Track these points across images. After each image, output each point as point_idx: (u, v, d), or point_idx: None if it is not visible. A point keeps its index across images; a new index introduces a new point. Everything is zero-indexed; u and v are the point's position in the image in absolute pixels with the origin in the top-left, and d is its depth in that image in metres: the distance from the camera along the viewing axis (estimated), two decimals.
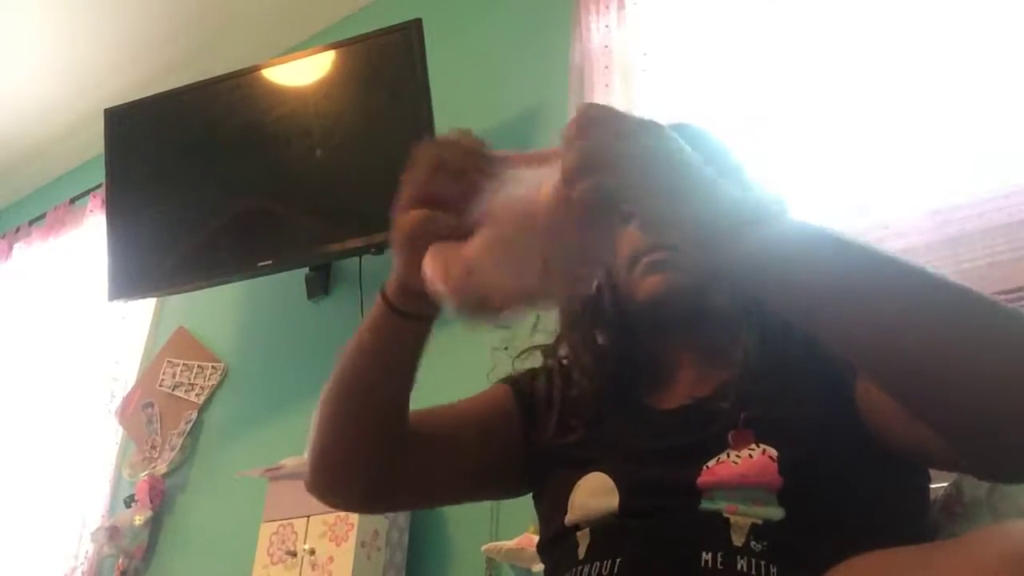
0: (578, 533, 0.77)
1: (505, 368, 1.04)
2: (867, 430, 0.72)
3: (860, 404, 0.73)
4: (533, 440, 0.88)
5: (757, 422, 0.74)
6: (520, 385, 0.94)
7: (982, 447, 0.57)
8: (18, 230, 3.33)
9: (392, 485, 0.86)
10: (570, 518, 0.78)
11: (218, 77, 2.32)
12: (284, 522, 1.79)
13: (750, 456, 0.72)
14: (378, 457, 0.83)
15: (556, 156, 0.60)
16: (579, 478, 0.80)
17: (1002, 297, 1.35)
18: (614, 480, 0.77)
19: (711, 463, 0.73)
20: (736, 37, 1.79)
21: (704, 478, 0.72)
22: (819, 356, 0.75)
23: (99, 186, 2.82)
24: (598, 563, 0.72)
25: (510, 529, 1.58)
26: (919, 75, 1.54)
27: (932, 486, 0.79)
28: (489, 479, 0.92)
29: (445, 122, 1.98)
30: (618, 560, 0.71)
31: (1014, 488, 0.77)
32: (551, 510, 0.83)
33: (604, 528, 0.75)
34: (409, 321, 0.77)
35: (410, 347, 0.79)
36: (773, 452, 0.71)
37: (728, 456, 0.73)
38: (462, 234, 0.65)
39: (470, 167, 0.66)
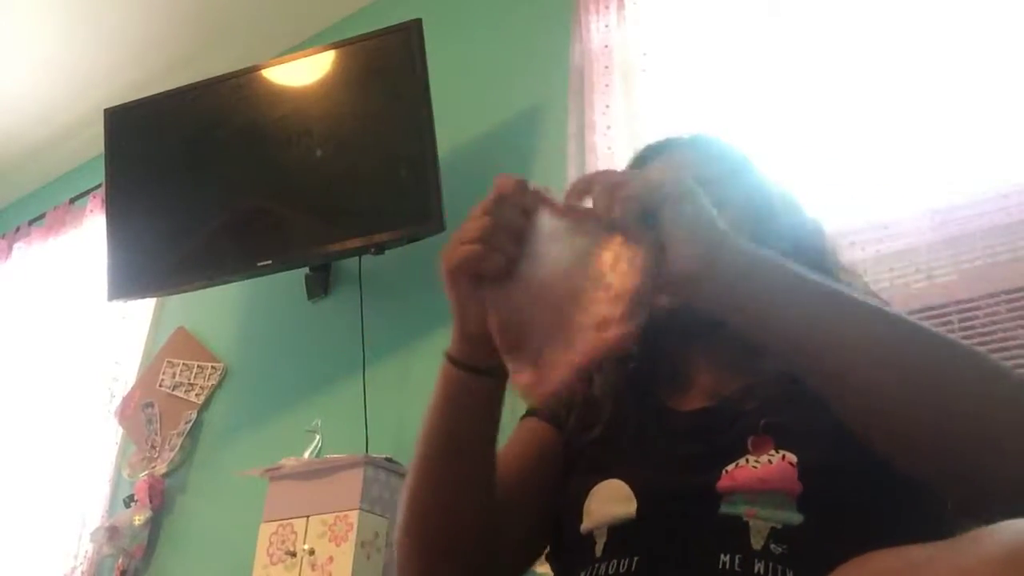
0: (595, 533, 0.77)
1: None
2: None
3: None
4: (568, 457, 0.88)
5: (777, 428, 0.74)
6: (545, 415, 0.92)
7: (961, 491, 0.61)
8: (18, 230, 3.33)
9: (501, 555, 0.82)
10: (586, 525, 0.78)
11: (218, 77, 2.32)
12: (284, 522, 1.78)
13: (769, 462, 0.72)
14: (488, 527, 0.80)
15: (586, 216, 0.65)
16: (593, 484, 0.79)
17: (1002, 297, 1.35)
18: (632, 487, 0.76)
19: (730, 467, 0.73)
20: (736, 37, 1.79)
21: (724, 482, 0.72)
22: None
23: (99, 186, 2.82)
24: (615, 561, 0.72)
25: None
26: (919, 75, 1.54)
27: None
28: None
29: (445, 122, 1.98)
30: (635, 559, 0.71)
31: None
32: (564, 516, 0.82)
33: (622, 527, 0.75)
34: (481, 378, 0.75)
35: (485, 405, 0.77)
36: (793, 457, 0.71)
37: (747, 461, 0.73)
38: (505, 274, 0.69)
39: (524, 208, 0.70)
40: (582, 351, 0.63)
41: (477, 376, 0.75)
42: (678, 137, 0.99)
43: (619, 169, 0.68)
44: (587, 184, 0.67)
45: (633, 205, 0.63)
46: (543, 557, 0.89)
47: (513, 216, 0.69)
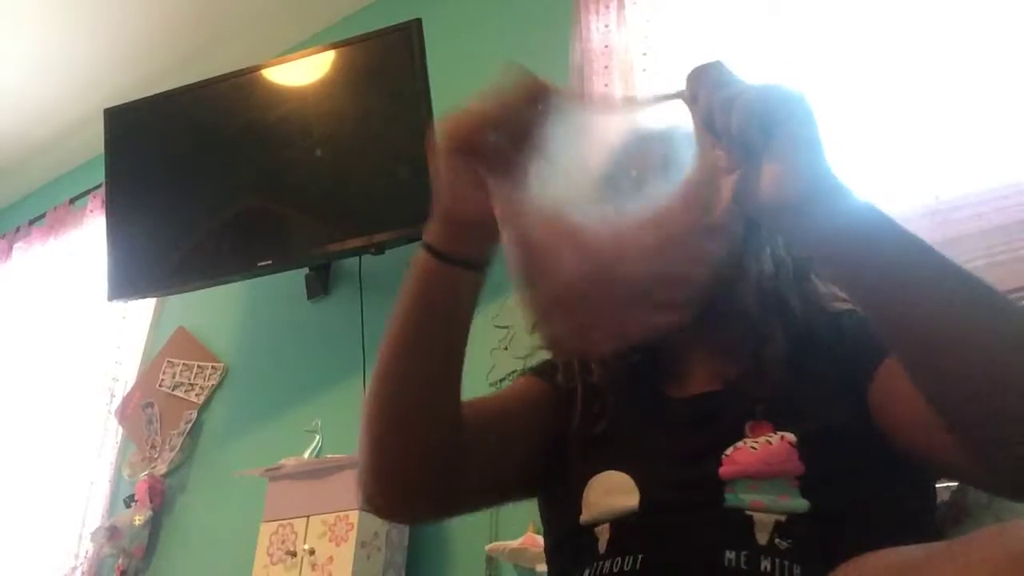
0: (597, 528, 0.75)
1: (506, 367, 1.03)
2: (878, 429, 0.72)
3: (873, 403, 0.73)
4: (559, 431, 0.86)
5: (774, 412, 0.73)
6: (545, 376, 0.91)
7: (1003, 459, 0.58)
8: (18, 230, 3.33)
9: (458, 480, 0.78)
10: (586, 517, 0.77)
11: (218, 77, 2.32)
12: (284, 522, 1.79)
13: (768, 443, 0.71)
14: (442, 439, 0.75)
15: (627, 103, 0.60)
16: (592, 476, 0.78)
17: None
18: (634, 479, 0.75)
19: (729, 450, 0.72)
20: (736, 37, 1.79)
21: (726, 468, 0.71)
22: (837, 353, 0.76)
23: (99, 186, 2.82)
24: (620, 559, 0.71)
25: (510, 529, 1.58)
26: (919, 74, 1.54)
27: (937, 485, 0.79)
28: (532, 474, 0.86)
29: None
30: (640, 556, 0.70)
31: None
32: (562, 508, 0.81)
33: (626, 523, 0.74)
34: (460, 270, 0.71)
35: (463, 300, 0.73)
36: (792, 437, 0.71)
37: (745, 443, 0.72)
38: (510, 165, 0.64)
39: (540, 117, 0.66)
40: (633, 329, 0.59)
41: (454, 267, 0.71)
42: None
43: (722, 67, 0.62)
44: (695, 83, 0.62)
45: (753, 120, 0.57)
46: (539, 551, 0.88)
47: (527, 109, 0.65)
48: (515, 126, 0.66)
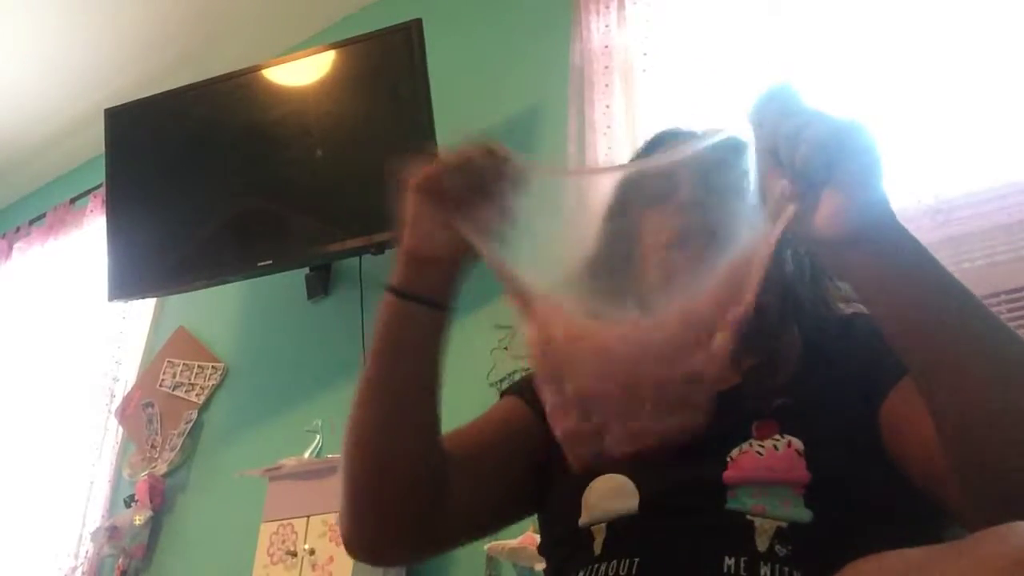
0: (593, 528, 0.75)
1: (506, 367, 1.03)
2: (884, 445, 0.72)
3: (883, 423, 0.73)
4: (547, 449, 0.84)
5: (783, 414, 0.73)
6: (527, 392, 0.89)
7: (993, 501, 0.59)
8: (18, 230, 3.33)
9: (440, 517, 0.78)
10: (584, 520, 0.76)
11: (218, 77, 2.32)
12: (284, 522, 1.79)
13: (775, 448, 0.70)
14: (420, 478, 0.75)
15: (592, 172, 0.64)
16: (592, 477, 0.77)
17: (1002, 297, 1.35)
18: (634, 482, 0.74)
19: (734, 453, 0.71)
20: (737, 37, 1.78)
21: (730, 472, 0.70)
22: (849, 361, 0.75)
23: (99, 186, 2.82)
24: (615, 562, 0.70)
25: (509, 528, 1.58)
26: (918, 74, 1.54)
27: None
28: (524, 495, 0.86)
29: (445, 122, 1.98)
30: (636, 560, 0.69)
31: None
32: (560, 510, 0.80)
33: (622, 525, 0.73)
34: (423, 308, 0.73)
35: (428, 339, 0.74)
36: (799, 445, 0.70)
37: (751, 446, 0.71)
38: (475, 202, 0.69)
39: (495, 171, 0.70)
40: (649, 433, 0.60)
41: (416, 305, 0.73)
42: (692, 129, 0.93)
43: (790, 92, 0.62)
44: (764, 108, 0.62)
45: (820, 153, 0.57)
46: (537, 552, 0.87)
47: (485, 159, 0.70)
48: (473, 173, 0.70)
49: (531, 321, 0.66)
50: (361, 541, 0.78)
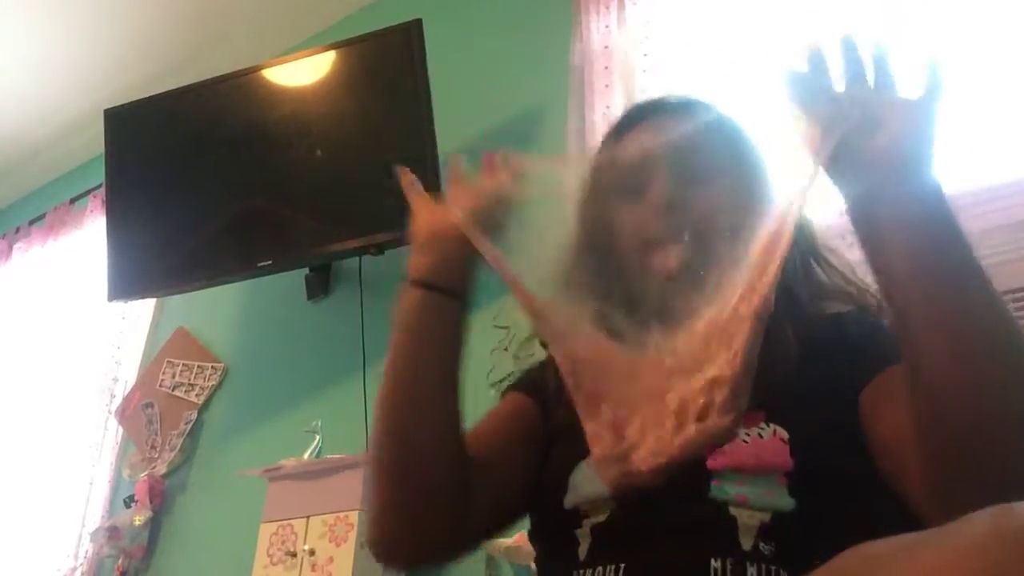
0: (578, 531, 0.75)
1: (506, 367, 1.03)
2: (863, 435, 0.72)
3: (862, 407, 0.73)
4: (550, 429, 0.86)
5: (769, 403, 0.73)
6: (531, 386, 0.91)
7: (962, 490, 0.59)
8: (18, 230, 3.33)
9: (469, 516, 0.79)
10: (570, 500, 0.76)
11: (218, 77, 2.32)
12: (284, 522, 1.79)
13: (760, 435, 0.71)
14: (454, 472, 0.77)
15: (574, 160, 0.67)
16: (578, 460, 0.78)
17: (1002, 297, 1.35)
18: None
19: None
20: (737, 37, 1.79)
21: (714, 458, 0.70)
22: (838, 356, 0.76)
23: (99, 186, 2.82)
24: (600, 567, 0.70)
25: None
26: (918, 73, 1.54)
27: None
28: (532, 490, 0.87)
29: (445, 122, 1.98)
30: (622, 566, 0.69)
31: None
32: (547, 489, 0.81)
33: (607, 528, 0.73)
34: (448, 298, 0.76)
35: (448, 327, 0.77)
36: (784, 434, 0.71)
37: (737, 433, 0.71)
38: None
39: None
40: (680, 444, 0.61)
41: (441, 295, 0.76)
42: (667, 99, 0.94)
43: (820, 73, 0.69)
44: (810, 115, 0.66)
45: (886, 76, 0.63)
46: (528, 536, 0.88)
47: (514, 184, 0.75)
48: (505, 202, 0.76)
49: (554, 343, 0.69)
50: (398, 541, 0.78)
